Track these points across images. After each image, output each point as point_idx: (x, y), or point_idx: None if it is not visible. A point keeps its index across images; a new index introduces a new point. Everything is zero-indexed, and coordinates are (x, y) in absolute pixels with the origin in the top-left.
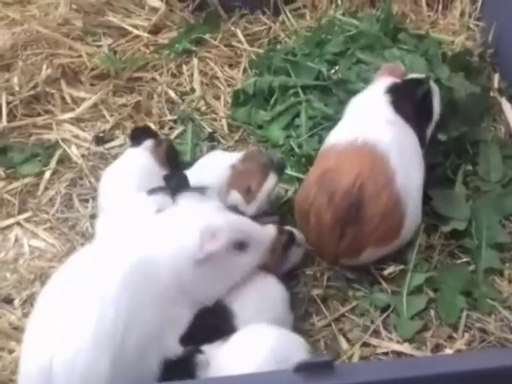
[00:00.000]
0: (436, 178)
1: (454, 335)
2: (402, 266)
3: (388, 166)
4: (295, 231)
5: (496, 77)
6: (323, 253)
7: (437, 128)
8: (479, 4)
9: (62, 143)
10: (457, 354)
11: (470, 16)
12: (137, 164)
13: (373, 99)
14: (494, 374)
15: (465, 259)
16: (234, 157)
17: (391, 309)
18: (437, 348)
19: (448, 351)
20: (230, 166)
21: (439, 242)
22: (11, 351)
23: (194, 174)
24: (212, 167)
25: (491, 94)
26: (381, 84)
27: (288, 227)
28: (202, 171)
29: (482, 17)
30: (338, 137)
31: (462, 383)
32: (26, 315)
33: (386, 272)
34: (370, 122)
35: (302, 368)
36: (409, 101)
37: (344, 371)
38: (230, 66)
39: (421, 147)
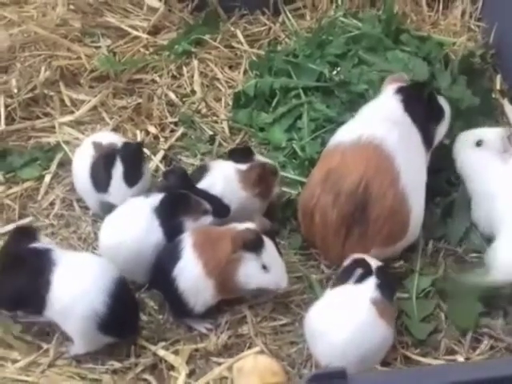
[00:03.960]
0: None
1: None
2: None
3: (393, 166)
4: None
5: (498, 78)
6: (328, 253)
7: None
8: (480, 4)
9: (63, 145)
10: (471, 362)
11: (470, 16)
12: None
13: (382, 100)
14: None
15: None
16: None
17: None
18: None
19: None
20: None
21: (444, 246)
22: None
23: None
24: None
25: (493, 95)
26: (390, 88)
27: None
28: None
29: (483, 17)
30: (342, 135)
31: None
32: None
33: None
34: (375, 121)
35: (316, 378)
36: (417, 101)
37: (357, 380)
38: (231, 67)
39: (426, 148)
